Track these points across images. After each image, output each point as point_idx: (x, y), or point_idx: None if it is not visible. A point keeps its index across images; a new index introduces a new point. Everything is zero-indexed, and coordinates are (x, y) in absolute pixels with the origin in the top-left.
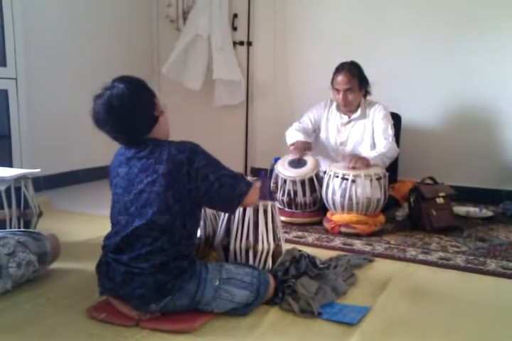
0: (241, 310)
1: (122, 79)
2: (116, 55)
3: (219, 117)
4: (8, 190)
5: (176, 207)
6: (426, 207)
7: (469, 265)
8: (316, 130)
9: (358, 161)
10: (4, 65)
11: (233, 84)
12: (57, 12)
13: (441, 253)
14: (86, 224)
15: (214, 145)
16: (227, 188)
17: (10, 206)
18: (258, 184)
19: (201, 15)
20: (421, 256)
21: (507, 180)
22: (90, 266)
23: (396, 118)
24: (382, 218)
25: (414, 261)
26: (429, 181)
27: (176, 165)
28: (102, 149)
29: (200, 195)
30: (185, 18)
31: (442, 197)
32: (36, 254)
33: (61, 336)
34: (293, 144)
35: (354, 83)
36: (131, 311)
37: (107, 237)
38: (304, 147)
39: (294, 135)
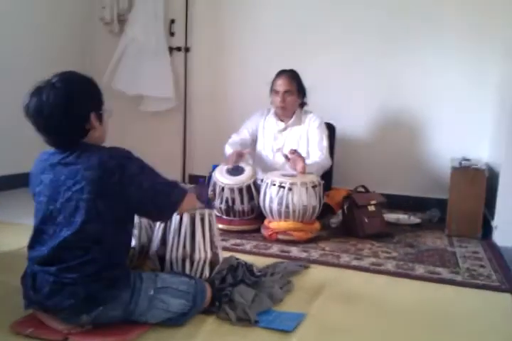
0: (177, 320)
1: (65, 80)
2: (47, 55)
3: (156, 123)
4: None
5: (108, 215)
6: (359, 214)
7: (399, 270)
8: (254, 140)
9: (297, 159)
10: None
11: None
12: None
13: (373, 259)
14: (9, 234)
15: (151, 152)
16: (162, 196)
17: None
18: (193, 191)
19: (137, 19)
20: (354, 262)
21: (433, 189)
22: (14, 278)
23: (330, 129)
24: (317, 225)
25: (347, 266)
26: (361, 189)
27: (106, 172)
28: (22, 155)
29: (133, 203)
30: (119, 21)
31: (374, 204)
32: None
33: None
34: (229, 157)
35: (293, 86)
36: (60, 325)
37: (31, 247)
38: (237, 156)
39: (228, 151)
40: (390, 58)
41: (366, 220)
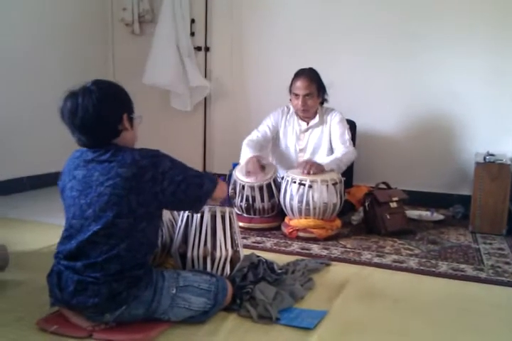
0: (199, 318)
1: (99, 85)
2: (70, 58)
3: (176, 122)
4: None
5: (139, 211)
6: (380, 211)
7: (422, 267)
8: (274, 136)
9: (312, 167)
10: None
11: (196, 90)
12: (13, 14)
13: (395, 256)
14: (35, 233)
15: (171, 151)
16: (194, 187)
17: None
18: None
19: (168, 21)
20: (376, 259)
21: (457, 185)
22: (41, 276)
23: (351, 125)
24: (338, 222)
25: (369, 264)
26: (382, 186)
27: (140, 170)
28: (49, 156)
29: (167, 197)
30: (140, 22)
31: (395, 201)
32: None
33: None
34: (248, 169)
35: (313, 88)
36: (85, 322)
37: (61, 241)
38: (257, 168)
39: (245, 152)
40: (413, 54)
41: (388, 217)
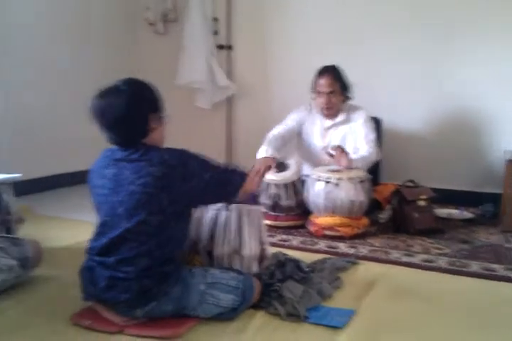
0: (227, 315)
1: (129, 84)
2: (95, 58)
3: (199, 121)
4: None
5: (170, 208)
6: (408, 209)
7: (452, 267)
8: (299, 131)
9: (343, 157)
10: None
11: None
12: (37, 20)
13: (424, 256)
14: (67, 229)
15: (194, 149)
16: (223, 185)
17: None
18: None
19: (196, 20)
20: (404, 258)
21: (487, 182)
22: (73, 271)
23: (376, 122)
24: (365, 221)
25: (397, 263)
26: (410, 184)
27: (169, 169)
28: (82, 154)
29: (197, 195)
30: (164, 21)
31: (424, 199)
32: (17, 260)
33: None
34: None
35: (337, 86)
36: (116, 317)
37: (93, 238)
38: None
39: (263, 150)
40: (440, 48)
41: (416, 215)
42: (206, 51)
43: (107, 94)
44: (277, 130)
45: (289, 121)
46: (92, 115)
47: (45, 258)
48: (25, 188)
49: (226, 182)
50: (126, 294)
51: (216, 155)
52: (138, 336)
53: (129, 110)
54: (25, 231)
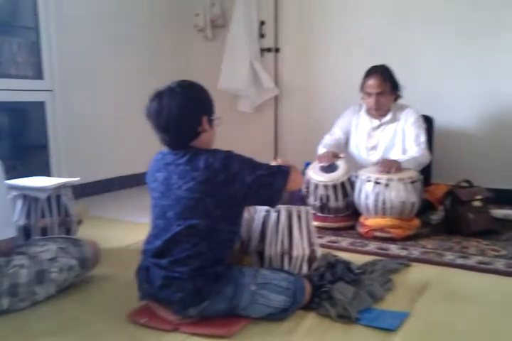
0: (278, 315)
1: (183, 86)
2: (146, 64)
3: (247, 122)
4: (49, 199)
5: (217, 212)
6: (462, 210)
7: (509, 269)
8: (347, 138)
9: (391, 166)
10: (41, 77)
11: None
12: (91, 26)
13: (479, 258)
14: (122, 230)
15: (242, 151)
16: (265, 187)
17: (51, 214)
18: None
19: (240, 25)
20: (459, 261)
21: None
22: (129, 271)
23: (428, 121)
24: (416, 222)
25: (452, 265)
26: (464, 184)
27: (212, 173)
28: (135, 157)
29: (240, 198)
30: (213, 27)
31: (479, 200)
32: (77, 259)
33: (104, 339)
34: (320, 156)
35: (386, 87)
36: (171, 315)
37: (147, 242)
38: (333, 156)
39: (321, 150)
40: (494, 44)
41: (471, 216)
42: (250, 55)
43: (162, 96)
44: (326, 141)
45: (337, 130)
46: (147, 116)
47: (102, 258)
48: (80, 191)
49: (268, 187)
50: (180, 293)
51: (264, 156)
52: (192, 334)
53: (183, 111)
54: (83, 233)
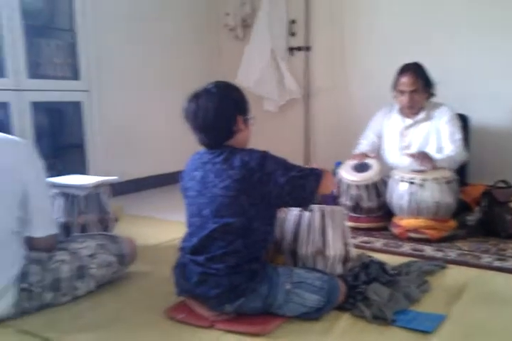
0: (313, 315)
1: (219, 87)
2: (179, 65)
3: (277, 122)
4: (88, 197)
5: (252, 210)
6: (500, 211)
7: None
8: (381, 140)
9: (425, 160)
10: (78, 78)
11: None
12: (126, 28)
13: None
14: (158, 228)
15: (273, 150)
16: (298, 189)
17: (90, 212)
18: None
19: (263, 25)
20: (497, 263)
21: None
22: (166, 268)
23: (463, 120)
24: (452, 223)
25: (489, 267)
26: (501, 184)
27: (248, 172)
28: (169, 157)
29: (273, 199)
30: (244, 26)
31: None
32: (115, 256)
33: (142, 334)
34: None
35: (419, 84)
36: (207, 312)
37: (184, 239)
38: (365, 155)
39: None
40: None
41: (509, 218)
42: (269, 56)
43: (198, 97)
44: (362, 147)
45: (370, 134)
46: (185, 117)
47: (138, 255)
48: (116, 190)
49: (300, 188)
50: (217, 289)
51: (295, 155)
52: (227, 331)
53: (218, 112)
54: (120, 230)
